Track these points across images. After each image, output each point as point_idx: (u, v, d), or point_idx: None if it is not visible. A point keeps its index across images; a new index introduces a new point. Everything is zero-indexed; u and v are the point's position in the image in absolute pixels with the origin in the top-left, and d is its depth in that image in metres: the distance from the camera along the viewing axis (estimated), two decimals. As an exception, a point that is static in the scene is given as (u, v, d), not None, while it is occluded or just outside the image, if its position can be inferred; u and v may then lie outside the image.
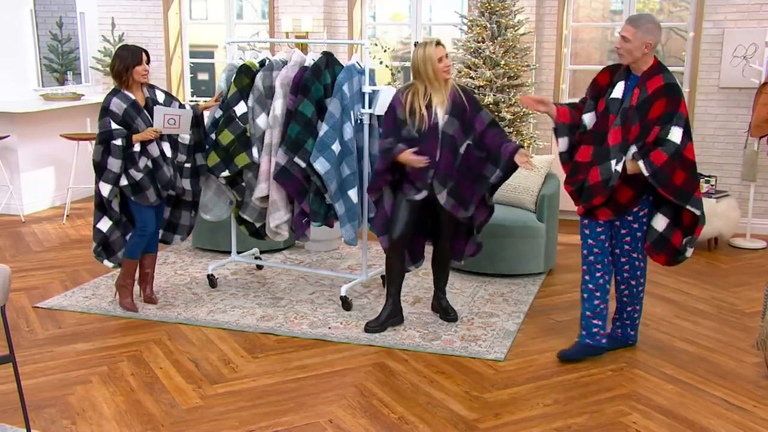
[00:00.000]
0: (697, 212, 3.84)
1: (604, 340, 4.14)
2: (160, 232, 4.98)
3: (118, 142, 4.52)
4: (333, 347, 4.29)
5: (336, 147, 4.66)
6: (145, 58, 4.63)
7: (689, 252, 3.96)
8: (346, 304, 4.85)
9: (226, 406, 3.61)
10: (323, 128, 4.67)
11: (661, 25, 3.93)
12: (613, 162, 3.82)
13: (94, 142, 4.56)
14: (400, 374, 3.96)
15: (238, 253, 5.61)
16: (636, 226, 4.05)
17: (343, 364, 4.07)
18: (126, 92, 4.60)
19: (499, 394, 3.75)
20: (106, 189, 4.57)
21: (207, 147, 4.92)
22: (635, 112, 3.82)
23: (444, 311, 4.70)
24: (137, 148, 4.58)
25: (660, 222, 3.96)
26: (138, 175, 4.57)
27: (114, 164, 4.53)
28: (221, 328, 4.56)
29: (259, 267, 5.72)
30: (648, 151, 3.78)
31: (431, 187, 4.30)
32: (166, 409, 3.58)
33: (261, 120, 4.91)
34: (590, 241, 4.06)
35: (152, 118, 4.63)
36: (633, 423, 3.46)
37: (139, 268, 4.95)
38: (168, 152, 4.70)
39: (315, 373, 3.96)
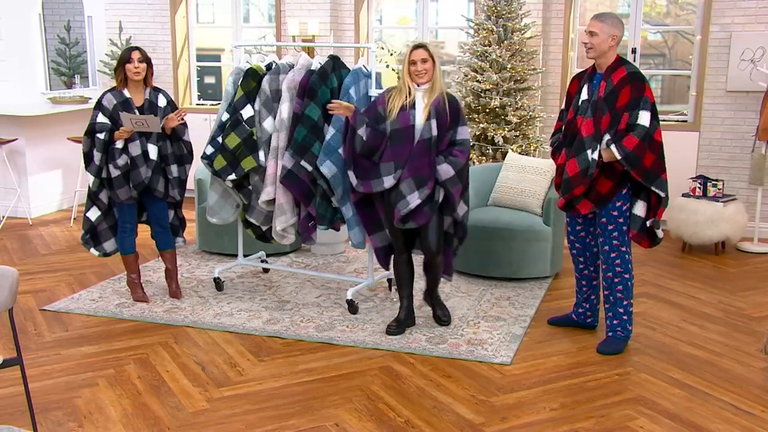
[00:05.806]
0: (662, 194, 4.12)
1: (589, 320, 4.60)
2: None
3: (101, 135, 4.70)
4: (339, 350, 4.30)
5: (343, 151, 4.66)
6: (137, 56, 4.70)
7: (660, 233, 4.22)
8: (352, 307, 4.84)
9: (232, 409, 3.61)
10: (330, 132, 4.67)
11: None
12: (589, 152, 4.07)
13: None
14: (406, 378, 3.95)
15: (245, 256, 5.62)
16: (621, 221, 4.22)
17: (349, 368, 4.07)
18: (121, 90, 4.73)
19: (506, 398, 3.74)
20: (91, 179, 4.78)
21: (214, 151, 4.93)
22: (604, 103, 4.07)
23: (435, 317, 4.68)
24: (119, 145, 4.70)
25: (640, 208, 4.19)
26: (115, 172, 4.72)
27: (96, 156, 4.73)
28: (227, 331, 4.56)
29: (266, 270, 5.72)
30: (620, 137, 4.02)
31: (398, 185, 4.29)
32: (173, 412, 3.58)
33: (268, 123, 4.91)
34: (571, 237, 4.46)
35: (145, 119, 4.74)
36: (640, 427, 3.45)
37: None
38: (152, 155, 4.77)
39: (321, 377, 3.96)
